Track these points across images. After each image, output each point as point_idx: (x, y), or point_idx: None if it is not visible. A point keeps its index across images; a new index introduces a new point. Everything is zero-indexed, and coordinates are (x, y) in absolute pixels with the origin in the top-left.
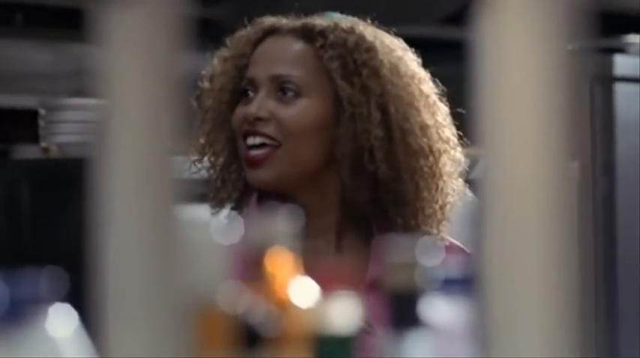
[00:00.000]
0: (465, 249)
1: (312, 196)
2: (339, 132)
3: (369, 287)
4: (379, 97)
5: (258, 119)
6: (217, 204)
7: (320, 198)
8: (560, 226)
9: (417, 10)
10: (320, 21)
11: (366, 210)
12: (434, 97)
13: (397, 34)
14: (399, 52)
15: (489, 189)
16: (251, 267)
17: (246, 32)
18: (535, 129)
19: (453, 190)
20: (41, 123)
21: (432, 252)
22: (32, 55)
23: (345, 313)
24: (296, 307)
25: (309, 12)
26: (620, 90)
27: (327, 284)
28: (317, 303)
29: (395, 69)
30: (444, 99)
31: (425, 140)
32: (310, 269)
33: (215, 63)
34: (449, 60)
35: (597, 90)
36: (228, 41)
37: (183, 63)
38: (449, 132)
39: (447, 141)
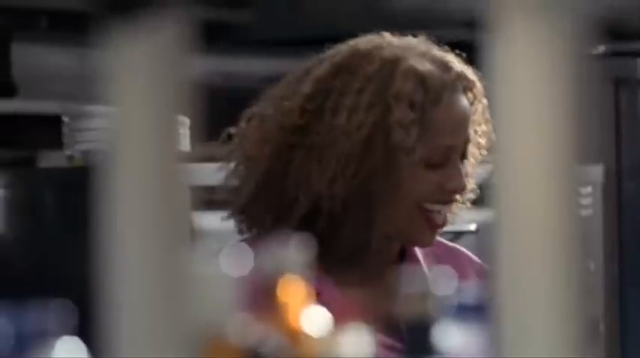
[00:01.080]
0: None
1: None
2: None
3: None
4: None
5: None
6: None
7: None
8: (576, 242)
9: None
10: (466, 69)
11: None
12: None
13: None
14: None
15: (503, 200)
16: (263, 297)
17: (398, 83)
18: (553, 138)
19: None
20: (65, 130)
21: (445, 280)
22: (57, 60)
23: (357, 343)
24: (308, 337)
25: (332, 16)
26: None
27: (344, 314)
28: (329, 333)
29: (482, 112)
30: None
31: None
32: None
33: (331, 84)
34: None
35: (622, 94)
36: (363, 71)
37: (196, 68)
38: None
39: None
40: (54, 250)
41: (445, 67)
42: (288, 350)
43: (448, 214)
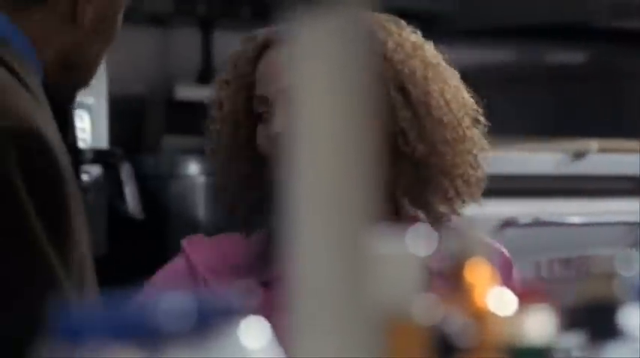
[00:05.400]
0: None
1: None
2: None
3: None
4: (395, 80)
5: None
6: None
7: None
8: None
9: None
10: None
11: (403, 192)
12: (442, 63)
13: None
14: (396, 28)
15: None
16: (448, 278)
17: (242, 51)
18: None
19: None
20: None
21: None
22: None
23: (542, 325)
24: (493, 317)
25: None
26: None
27: (524, 295)
28: (514, 314)
29: (400, 47)
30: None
31: (451, 112)
32: None
33: (217, 88)
34: None
35: None
36: (227, 64)
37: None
38: (467, 95)
39: (467, 105)
40: None
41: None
42: (473, 330)
43: None
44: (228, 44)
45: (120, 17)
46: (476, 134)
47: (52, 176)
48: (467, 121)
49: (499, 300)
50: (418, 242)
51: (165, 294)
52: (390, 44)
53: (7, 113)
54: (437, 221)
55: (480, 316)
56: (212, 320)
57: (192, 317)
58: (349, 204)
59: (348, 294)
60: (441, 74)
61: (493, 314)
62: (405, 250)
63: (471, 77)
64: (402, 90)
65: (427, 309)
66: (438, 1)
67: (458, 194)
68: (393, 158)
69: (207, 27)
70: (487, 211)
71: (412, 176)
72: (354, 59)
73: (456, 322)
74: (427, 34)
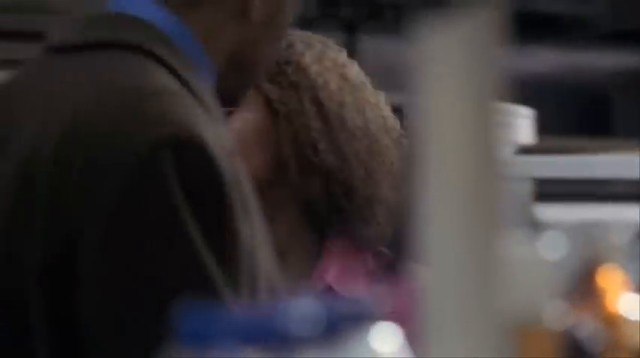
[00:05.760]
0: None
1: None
2: (279, 134)
3: (325, 289)
4: (310, 90)
5: None
6: None
7: (272, 206)
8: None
9: None
10: None
11: (320, 210)
12: (367, 83)
13: None
14: (320, 45)
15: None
16: (580, 282)
17: None
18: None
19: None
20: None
21: None
22: (401, 51)
23: None
24: (625, 322)
25: None
26: None
27: None
28: None
29: (319, 60)
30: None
31: (368, 129)
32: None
33: None
34: None
35: None
36: None
37: (542, 61)
38: (387, 111)
39: (389, 127)
40: None
41: None
42: (605, 335)
43: None
44: (372, 47)
45: (291, 11)
46: (396, 156)
47: (214, 188)
48: (387, 141)
49: (631, 305)
50: (549, 244)
51: (295, 299)
52: (309, 56)
53: (162, 118)
54: (362, 245)
55: (612, 321)
56: (342, 325)
57: (322, 322)
58: (480, 209)
59: (479, 299)
60: (363, 92)
61: (625, 320)
62: (537, 255)
63: (617, 79)
64: (316, 100)
65: (558, 315)
66: (583, 5)
67: (374, 216)
68: (301, 171)
69: (351, 30)
70: (627, 216)
71: (321, 190)
72: (484, 64)
73: (587, 327)
74: (570, 38)
